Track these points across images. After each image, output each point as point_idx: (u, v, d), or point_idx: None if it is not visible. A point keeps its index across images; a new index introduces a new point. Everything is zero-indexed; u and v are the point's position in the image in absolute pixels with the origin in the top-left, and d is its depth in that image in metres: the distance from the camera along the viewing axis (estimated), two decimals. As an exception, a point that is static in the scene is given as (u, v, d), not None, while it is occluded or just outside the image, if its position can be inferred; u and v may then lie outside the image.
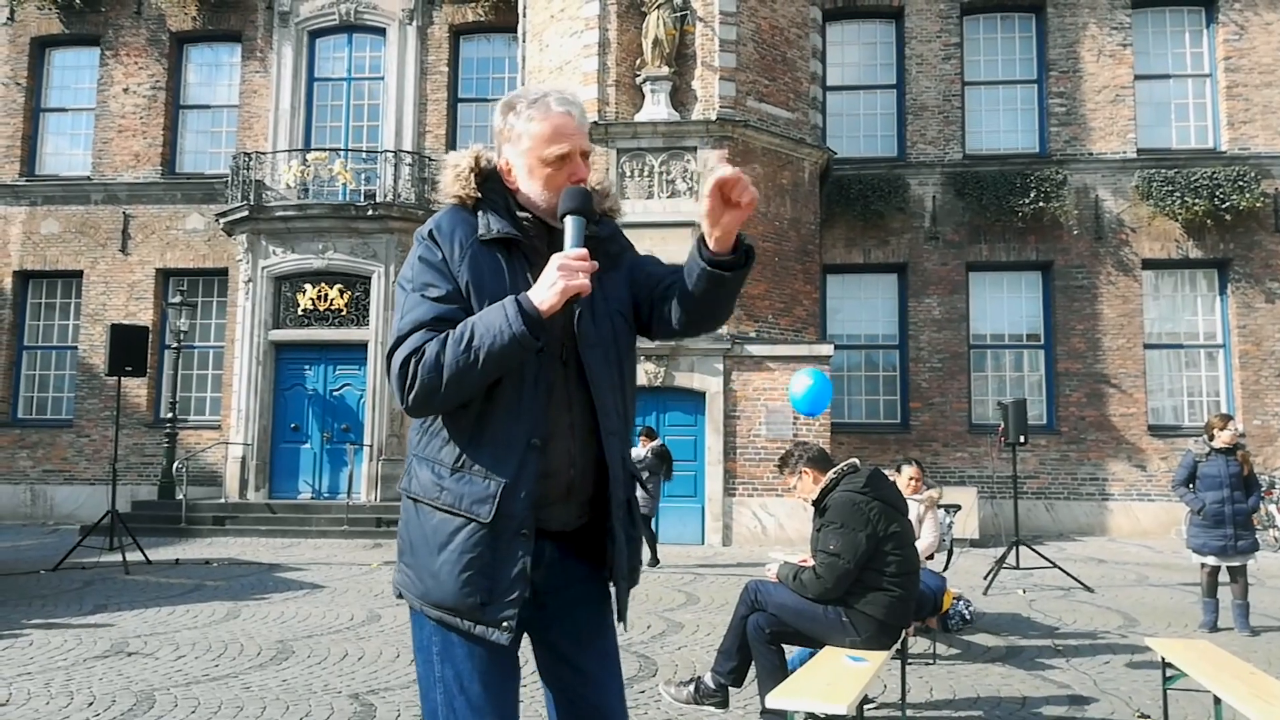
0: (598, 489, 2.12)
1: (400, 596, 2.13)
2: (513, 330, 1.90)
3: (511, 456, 1.99)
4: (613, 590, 2.21)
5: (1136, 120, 15.97)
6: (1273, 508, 13.37)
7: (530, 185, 2.10)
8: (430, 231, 2.07)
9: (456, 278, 2.02)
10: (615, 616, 2.22)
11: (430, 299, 2.00)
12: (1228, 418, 7.62)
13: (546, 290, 1.94)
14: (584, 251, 1.97)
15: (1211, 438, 7.51)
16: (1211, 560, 7.36)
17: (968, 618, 7.12)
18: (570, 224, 2.00)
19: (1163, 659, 4.58)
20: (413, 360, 1.94)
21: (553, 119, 2.06)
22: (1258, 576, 10.12)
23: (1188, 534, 7.61)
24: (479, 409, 2.01)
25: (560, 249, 2.01)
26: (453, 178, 2.11)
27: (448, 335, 1.95)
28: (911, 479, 6.97)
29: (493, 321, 1.93)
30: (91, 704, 4.95)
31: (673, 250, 12.70)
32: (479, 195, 2.10)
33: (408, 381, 1.95)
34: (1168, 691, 4.65)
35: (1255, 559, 7.54)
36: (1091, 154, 15.90)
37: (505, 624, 1.99)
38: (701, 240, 2.02)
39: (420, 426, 2.10)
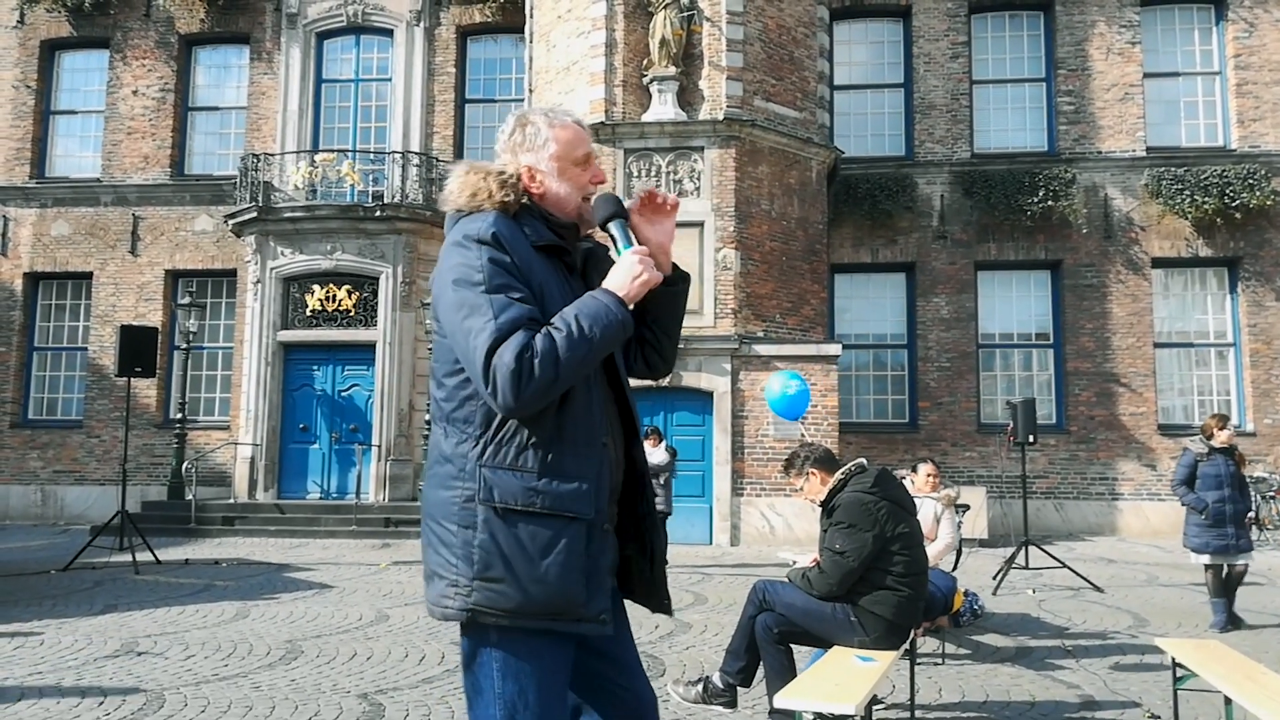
0: (624, 486, 2.25)
1: (469, 621, 2.05)
2: (619, 317, 2.03)
3: (593, 455, 2.10)
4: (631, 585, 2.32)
5: (1146, 118, 15.89)
6: (1281, 507, 13.31)
7: (560, 185, 2.22)
8: (494, 235, 2.08)
9: (529, 281, 2.08)
10: (659, 607, 2.31)
11: (516, 300, 2.04)
12: (1225, 418, 7.74)
13: (631, 282, 2.08)
14: (645, 249, 2.14)
15: (1210, 437, 7.59)
16: (1208, 559, 7.41)
17: (979, 612, 7.12)
18: (616, 228, 2.17)
19: (1173, 659, 4.57)
20: (526, 355, 1.96)
21: (572, 126, 2.25)
22: (1268, 576, 10.09)
23: (1187, 533, 7.63)
24: (556, 412, 2.07)
25: (589, 251, 2.28)
26: (498, 185, 2.17)
27: (549, 331, 2.00)
28: (930, 476, 6.98)
29: (596, 311, 2.03)
30: (102, 703, 4.97)
31: (678, 250, 12.69)
32: (524, 203, 2.20)
33: (524, 378, 1.95)
34: (1178, 692, 4.64)
35: (1252, 557, 7.63)
36: (1100, 152, 15.83)
37: (603, 616, 2.08)
38: None
39: (478, 437, 2.07)
